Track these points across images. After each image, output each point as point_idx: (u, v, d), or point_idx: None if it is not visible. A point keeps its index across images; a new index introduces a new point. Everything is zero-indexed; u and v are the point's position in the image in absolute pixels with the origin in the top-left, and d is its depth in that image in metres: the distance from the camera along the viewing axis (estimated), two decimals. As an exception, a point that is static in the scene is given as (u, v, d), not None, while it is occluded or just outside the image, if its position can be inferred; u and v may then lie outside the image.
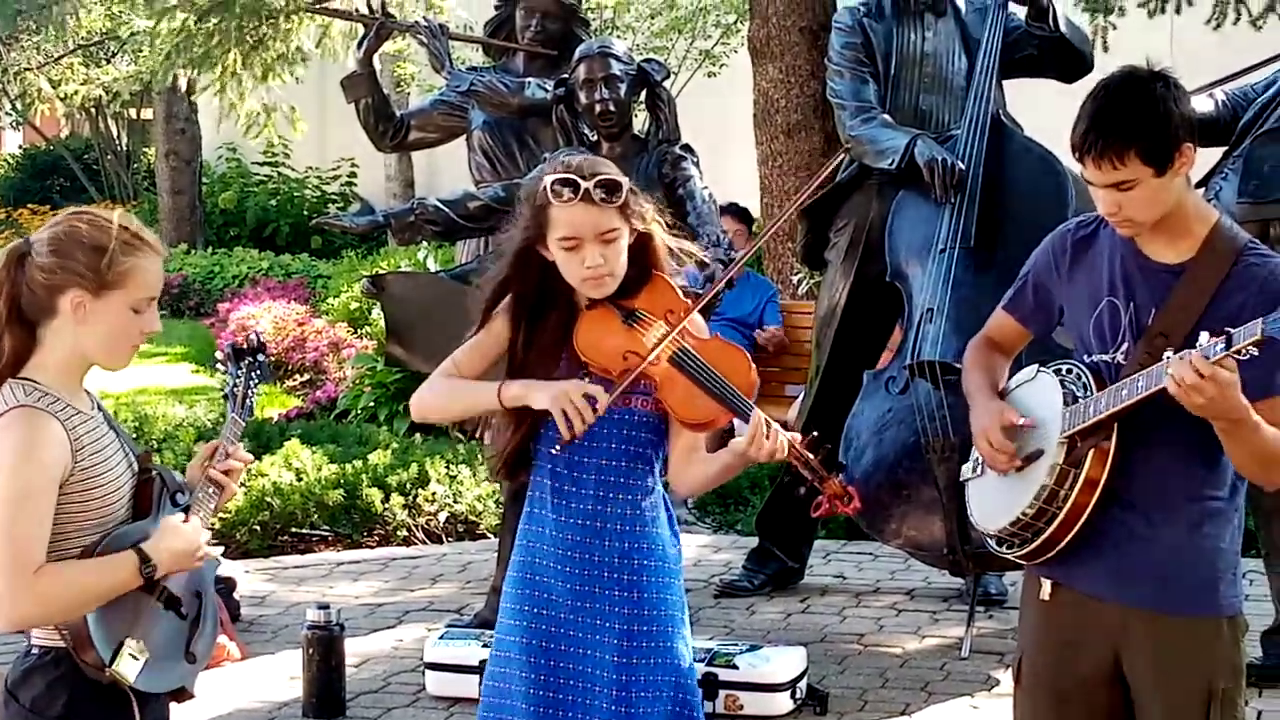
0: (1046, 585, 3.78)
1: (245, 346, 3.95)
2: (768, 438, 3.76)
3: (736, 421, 3.92)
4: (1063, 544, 3.69)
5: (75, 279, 3.43)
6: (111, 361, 3.57)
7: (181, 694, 3.64)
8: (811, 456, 3.80)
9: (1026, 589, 3.89)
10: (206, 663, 3.70)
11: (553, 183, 3.88)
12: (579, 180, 3.86)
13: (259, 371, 3.93)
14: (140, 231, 3.52)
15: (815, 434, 3.87)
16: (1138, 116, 3.52)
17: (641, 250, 3.98)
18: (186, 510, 3.62)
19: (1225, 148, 6.35)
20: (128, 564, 3.42)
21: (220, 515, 3.78)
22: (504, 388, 3.89)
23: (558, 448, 3.88)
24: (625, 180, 3.92)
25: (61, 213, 3.58)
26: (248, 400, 3.88)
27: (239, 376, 3.89)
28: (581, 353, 3.91)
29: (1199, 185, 6.11)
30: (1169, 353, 3.44)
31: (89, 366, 3.56)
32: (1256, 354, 3.33)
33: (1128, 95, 3.55)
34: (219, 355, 3.99)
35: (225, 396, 3.92)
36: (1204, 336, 3.38)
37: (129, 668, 3.44)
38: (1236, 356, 3.34)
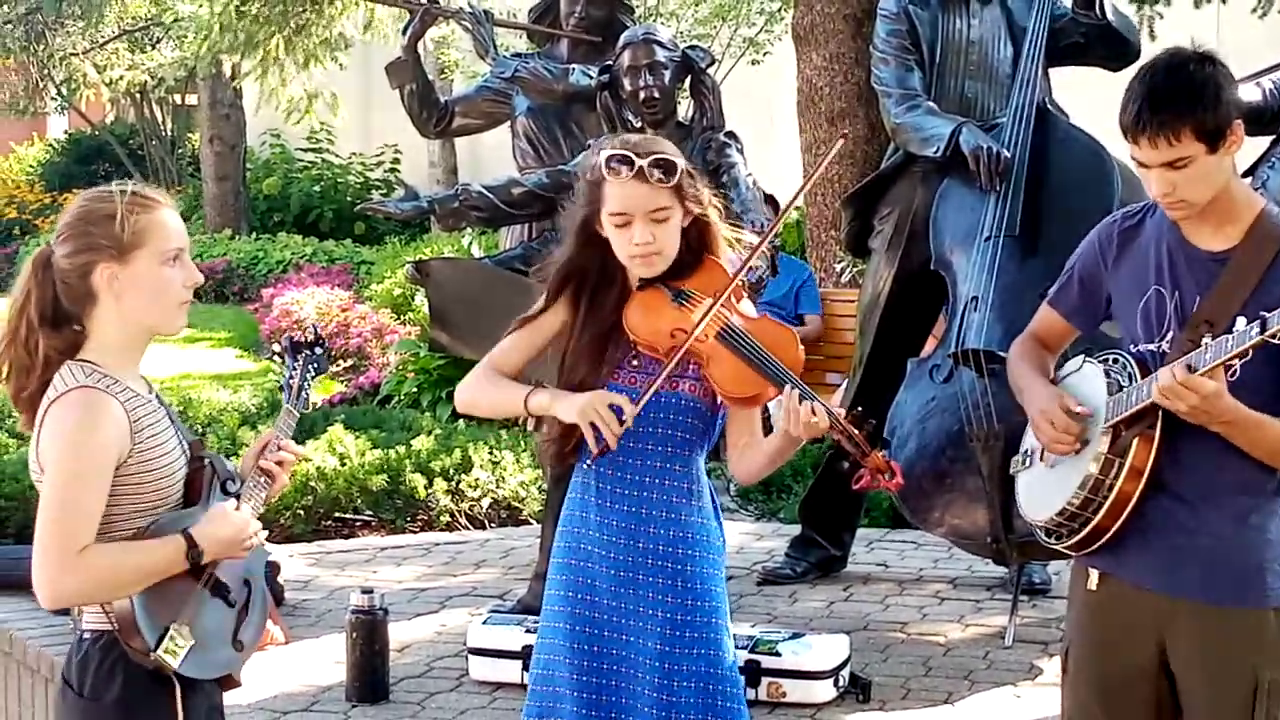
0: (1094, 575, 3.78)
1: (304, 339, 3.95)
2: (802, 410, 3.75)
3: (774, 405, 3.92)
4: (1110, 533, 3.68)
5: (98, 253, 3.46)
6: (164, 322, 3.57)
7: (228, 681, 3.65)
8: (855, 431, 3.80)
9: (1074, 579, 3.89)
10: (254, 651, 3.70)
11: (609, 158, 3.91)
12: (634, 157, 3.88)
13: (316, 364, 3.95)
14: (144, 191, 3.56)
15: (860, 409, 3.87)
16: (1190, 93, 3.53)
17: (698, 234, 3.99)
18: (237, 499, 3.62)
19: (1273, 137, 6.32)
20: (174, 548, 3.44)
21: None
22: (531, 396, 3.92)
23: (589, 463, 3.91)
24: (682, 161, 3.94)
25: (67, 205, 3.62)
26: (303, 392, 3.90)
27: (295, 369, 3.90)
28: (631, 331, 3.92)
29: (1246, 174, 6.08)
30: (1208, 338, 3.44)
31: (146, 340, 3.59)
32: None
33: (1179, 73, 3.56)
34: (276, 348, 3.99)
35: (281, 388, 3.93)
36: (1240, 322, 3.39)
37: (174, 653, 3.45)
38: (1273, 341, 3.34)
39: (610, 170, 3.90)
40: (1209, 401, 3.44)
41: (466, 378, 4.11)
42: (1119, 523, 3.66)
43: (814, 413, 3.75)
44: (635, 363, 3.96)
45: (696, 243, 4.00)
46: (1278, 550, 3.67)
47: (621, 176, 3.89)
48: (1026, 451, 3.94)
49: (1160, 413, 3.60)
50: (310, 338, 3.97)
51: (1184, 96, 3.53)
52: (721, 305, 3.93)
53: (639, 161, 3.88)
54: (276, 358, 3.98)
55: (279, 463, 3.72)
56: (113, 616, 3.45)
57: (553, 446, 4.03)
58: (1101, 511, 3.66)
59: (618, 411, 3.80)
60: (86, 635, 3.52)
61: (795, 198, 4.43)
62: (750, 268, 6.32)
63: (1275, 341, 3.34)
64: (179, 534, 3.45)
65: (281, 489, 3.81)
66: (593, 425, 3.81)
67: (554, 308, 4.01)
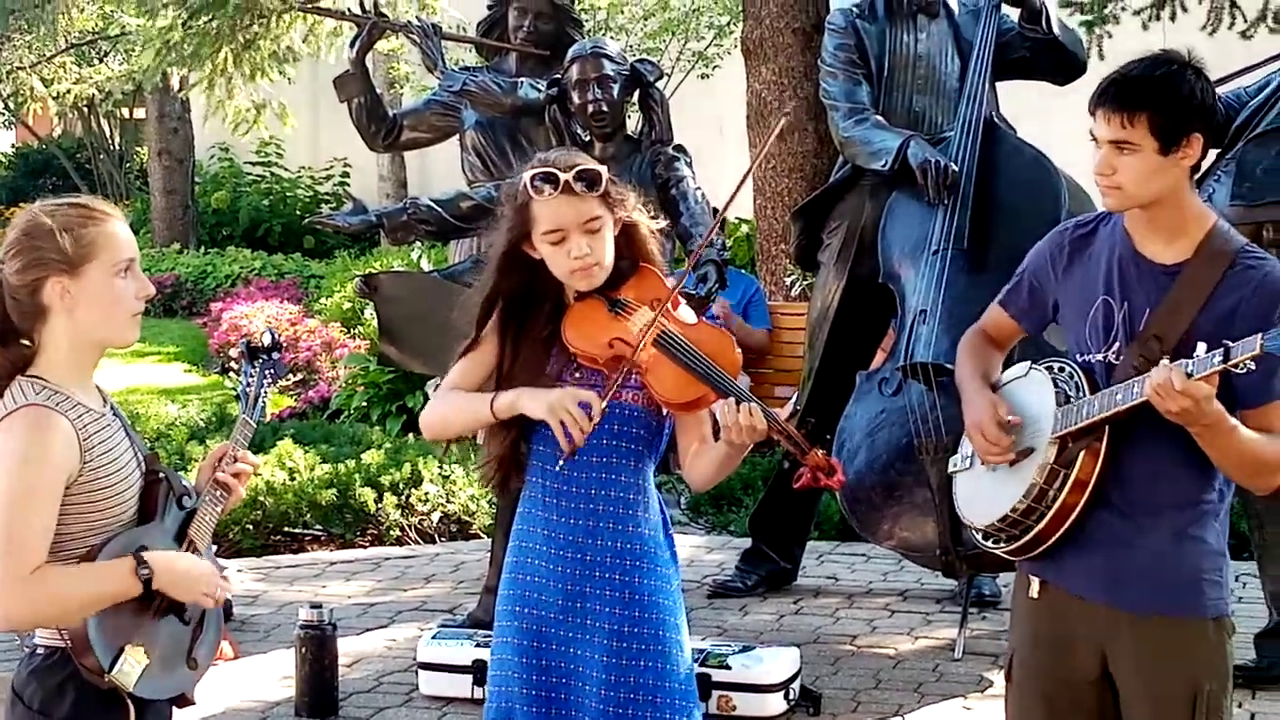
0: (1035, 584, 3.80)
1: (260, 345, 3.90)
2: (740, 414, 3.76)
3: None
4: (1049, 542, 3.71)
5: (48, 268, 3.41)
6: (117, 334, 3.52)
7: (181, 700, 3.61)
8: (794, 430, 3.81)
9: (1017, 587, 3.91)
10: (208, 668, 3.66)
11: (532, 178, 3.90)
12: (557, 173, 3.89)
13: (274, 370, 3.90)
14: (90, 203, 3.51)
15: (798, 408, 3.88)
16: (1160, 87, 3.60)
17: (629, 242, 4.00)
18: (192, 514, 3.60)
19: (1219, 150, 6.36)
20: (123, 570, 3.39)
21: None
22: (496, 399, 3.90)
23: (560, 463, 3.89)
24: (603, 170, 3.95)
25: (12, 221, 3.56)
26: (260, 401, 3.85)
27: (252, 375, 3.85)
28: (569, 343, 3.92)
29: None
30: (1165, 360, 3.46)
31: (99, 353, 3.54)
32: (1254, 369, 3.36)
33: (1160, 67, 3.63)
34: (234, 353, 3.95)
35: (237, 397, 3.87)
36: (1201, 348, 3.41)
37: (128, 674, 3.41)
38: (1234, 370, 3.36)
39: (535, 190, 3.90)
40: (1200, 404, 3.44)
41: (426, 409, 4.11)
42: (1059, 532, 3.69)
43: (751, 414, 3.76)
44: (577, 375, 3.95)
45: (628, 250, 4.01)
46: (1216, 560, 3.69)
47: (546, 194, 3.89)
48: (967, 453, 3.96)
49: (1107, 428, 3.62)
50: (267, 343, 3.92)
51: (1154, 87, 3.59)
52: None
53: (563, 176, 3.89)
54: (233, 364, 3.94)
55: (235, 475, 3.69)
56: (66, 635, 3.41)
57: (495, 473, 4.01)
58: (1044, 520, 3.69)
59: (586, 408, 3.80)
60: (39, 650, 3.48)
61: (742, 181, 4.41)
62: (699, 280, 6.39)
63: (1275, 353, 3.34)
64: (129, 556, 3.40)
65: (238, 502, 3.78)
66: (562, 423, 3.80)
67: (488, 337, 4.00)
